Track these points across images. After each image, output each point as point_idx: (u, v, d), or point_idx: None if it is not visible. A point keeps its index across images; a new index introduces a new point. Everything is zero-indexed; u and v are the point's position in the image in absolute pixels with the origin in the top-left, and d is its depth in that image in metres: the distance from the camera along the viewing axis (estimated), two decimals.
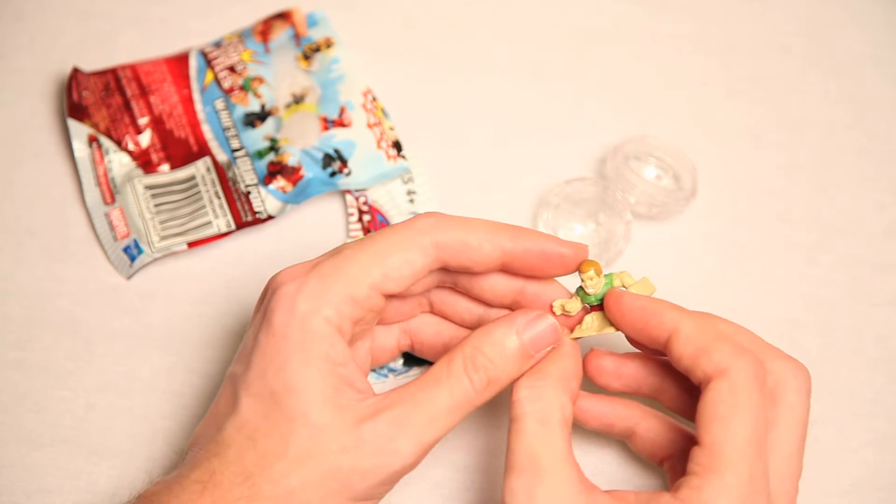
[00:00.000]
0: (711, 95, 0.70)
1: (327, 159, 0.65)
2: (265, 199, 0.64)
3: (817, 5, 0.73)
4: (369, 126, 0.66)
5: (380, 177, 0.65)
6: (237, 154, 0.65)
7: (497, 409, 0.60)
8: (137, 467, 0.58)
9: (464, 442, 0.59)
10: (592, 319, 0.54)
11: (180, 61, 0.68)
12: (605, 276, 0.53)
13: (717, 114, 0.70)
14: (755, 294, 0.64)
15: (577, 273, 0.54)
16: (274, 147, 0.65)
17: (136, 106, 0.67)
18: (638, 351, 0.55)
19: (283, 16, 0.70)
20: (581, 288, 0.54)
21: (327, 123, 0.66)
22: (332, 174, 0.65)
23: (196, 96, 0.67)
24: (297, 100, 0.67)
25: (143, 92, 0.67)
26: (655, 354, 0.55)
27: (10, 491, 0.58)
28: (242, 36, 0.69)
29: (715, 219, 0.66)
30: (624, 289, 0.54)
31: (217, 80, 0.67)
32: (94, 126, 0.66)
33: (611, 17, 0.72)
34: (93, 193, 0.65)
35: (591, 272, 0.53)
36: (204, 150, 0.66)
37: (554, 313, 0.54)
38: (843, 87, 0.70)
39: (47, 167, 0.66)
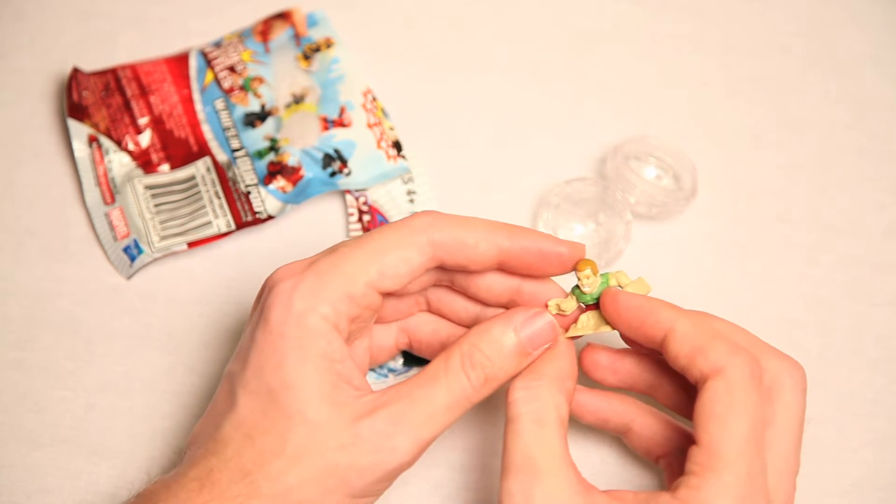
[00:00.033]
0: (711, 95, 0.70)
1: (327, 159, 0.65)
2: (265, 199, 0.64)
3: (817, 5, 0.73)
4: (369, 126, 0.66)
5: (380, 177, 0.65)
6: (237, 154, 0.65)
7: (497, 409, 0.60)
8: (137, 467, 0.58)
9: (464, 442, 0.59)
10: (588, 318, 0.54)
11: (180, 61, 0.68)
12: (601, 275, 0.54)
13: (717, 114, 0.70)
14: (755, 294, 0.64)
15: (573, 272, 0.54)
16: (274, 147, 0.65)
17: (136, 106, 0.67)
18: None
19: (283, 16, 0.70)
20: (577, 287, 0.54)
21: (327, 123, 0.66)
22: (332, 174, 0.65)
23: (196, 96, 0.67)
24: (297, 100, 0.67)
25: (143, 92, 0.67)
26: (651, 353, 0.55)
27: (10, 491, 0.58)
28: (242, 36, 0.69)
29: (715, 219, 0.66)
30: (620, 288, 0.54)
31: (217, 80, 0.67)
32: (94, 126, 0.66)
33: (611, 17, 0.72)
34: (93, 193, 0.65)
35: (588, 271, 0.53)
36: (204, 150, 0.66)
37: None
38: (843, 87, 0.70)
39: (47, 167, 0.66)
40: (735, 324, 0.53)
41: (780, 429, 0.50)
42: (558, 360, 0.52)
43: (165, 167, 0.65)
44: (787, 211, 0.67)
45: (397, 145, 0.66)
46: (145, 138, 0.66)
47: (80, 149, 0.66)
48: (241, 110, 0.67)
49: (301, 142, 0.65)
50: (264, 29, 0.69)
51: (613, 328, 0.53)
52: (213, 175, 0.65)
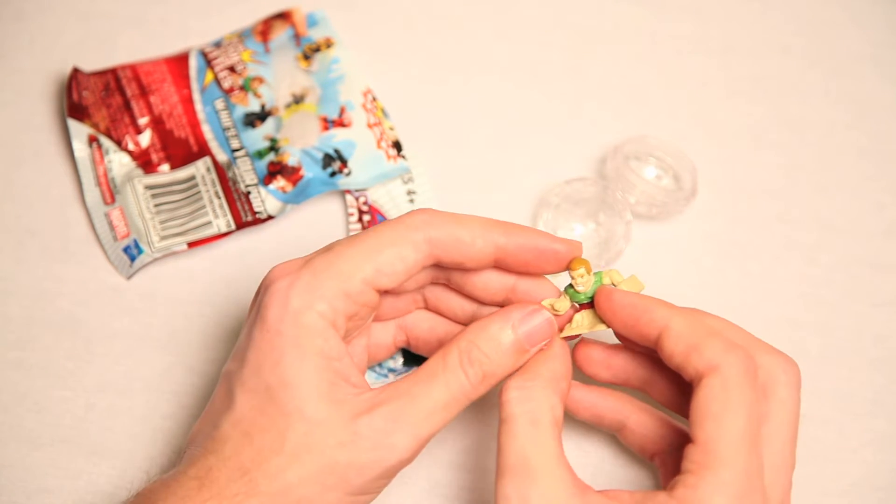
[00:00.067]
0: (711, 95, 0.70)
1: (327, 159, 0.65)
2: (265, 199, 0.64)
3: (817, 5, 0.73)
4: (369, 126, 0.66)
5: (380, 177, 0.65)
6: (237, 154, 0.65)
7: (497, 409, 0.60)
8: (137, 467, 0.58)
9: (463, 442, 0.59)
10: (583, 317, 0.54)
11: (180, 61, 0.68)
12: (595, 273, 0.54)
13: (717, 114, 0.70)
14: (755, 294, 0.64)
15: (566, 271, 0.54)
16: (274, 147, 0.65)
17: (136, 106, 0.67)
18: None
19: (283, 16, 0.70)
20: (570, 286, 0.54)
21: (327, 123, 0.66)
22: (332, 174, 0.65)
23: (196, 96, 0.67)
24: (297, 100, 0.67)
25: (143, 92, 0.67)
26: (645, 350, 0.55)
27: (10, 491, 0.58)
28: (242, 36, 0.69)
29: (715, 219, 0.66)
30: (613, 286, 0.54)
31: (217, 80, 0.67)
32: (94, 126, 0.66)
33: (611, 17, 0.72)
34: (93, 193, 0.65)
35: (582, 270, 0.53)
36: (204, 150, 0.66)
37: None
38: (843, 87, 0.70)
39: (47, 167, 0.66)
40: (728, 320, 0.53)
41: (775, 425, 0.51)
42: (553, 361, 0.52)
43: (165, 167, 0.65)
44: (787, 211, 0.67)
45: (397, 145, 0.66)
46: (145, 138, 0.66)
47: (80, 149, 0.66)
48: (241, 110, 0.67)
49: (301, 142, 0.65)
50: (264, 29, 0.69)
51: (608, 327, 0.53)
52: (213, 175, 0.65)
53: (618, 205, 0.64)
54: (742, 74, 0.71)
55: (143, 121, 0.66)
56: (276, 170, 0.64)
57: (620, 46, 0.71)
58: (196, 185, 0.64)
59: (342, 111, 0.67)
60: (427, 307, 0.57)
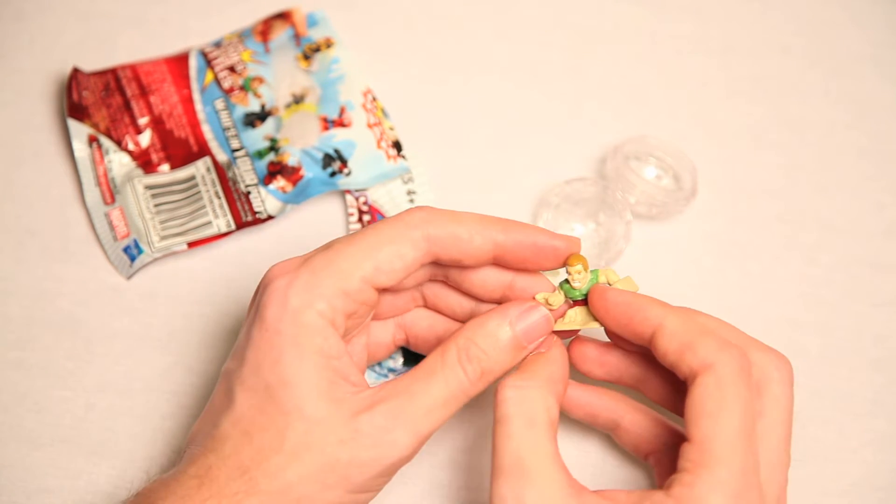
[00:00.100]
0: (711, 95, 0.70)
1: (327, 159, 0.65)
2: (265, 199, 0.64)
3: (817, 5, 0.73)
4: (369, 126, 0.66)
5: (380, 177, 0.65)
6: (237, 154, 0.65)
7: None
8: (137, 467, 0.58)
9: (463, 441, 0.59)
10: (576, 314, 0.54)
11: (180, 61, 0.68)
12: (591, 271, 0.54)
13: (717, 114, 0.70)
14: (755, 294, 0.64)
15: (564, 268, 0.54)
16: (274, 147, 0.65)
17: (136, 106, 0.67)
18: None
19: (283, 16, 0.70)
20: (566, 282, 0.54)
21: (327, 123, 0.66)
22: (332, 174, 0.65)
23: (196, 96, 0.67)
24: (297, 100, 0.67)
25: (143, 92, 0.67)
26: (636, 350, 0.55)
27: (10, 491, 0.58)
28: (242, 36, 0.69)
29: (715, 219, 0.66)
30: (608, 285, 0.54)
31: (217, 80, 0.67)
32: (94, 126, 0.66)
33: (611, 17, 0.72)
34: (93, 193, 0.65)
35: (579, 266, 0.53)
36: (204, 150, 0.66)
37: None
38: (843, 87, 0.70)
39: (47, 167, 0.66)
40: (720, 319, 0.53)
41: (769, 422, 0.51)
42: (551, 363, 0.52)
43: (165, 167, 0.65)
44: (787, 211, 0.67)
45: (397, 145, 0.66)
46: (145, 138, 0.66)
47: (80, 149, 0.66)
48: (241, 110, 0.67)
49: (301, 142, 0.65)
50: (264, 29, 0.69)
51: (600, 324, 0.53)
52: (213, 175, 0.65)
53: (618, 205, 0.64)
54: (742, 74, 0.71)
55: (143, 121, 0.66)
56: (276, 170, 0.64)
57: (620, 46, 0.71)
58: (196, 185, 0.64)
59: (342, 111, 0.67)
60: (426, 305, 0.57)
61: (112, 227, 0.64)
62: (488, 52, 0.71)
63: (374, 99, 0.67)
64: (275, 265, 0.52)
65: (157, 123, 0.66)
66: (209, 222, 0.64)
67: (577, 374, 0.56)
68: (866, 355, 0.63)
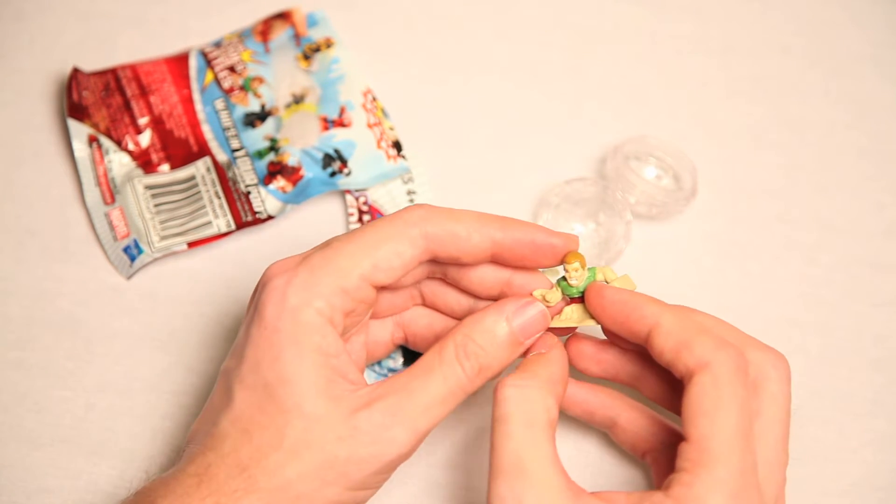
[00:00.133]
0: (711, 95, 0.70)
1: (327, 159, 0.65)
2: (265, 199, 0.64)
3: (817, 5, 0.73)
4: (369, 126, 0.66)
5: (380, 177, 0.65)
6: (237, 154, 0.65)
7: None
8: (137, 467, 0.58)
9: (464, 441, 0.59)
10: (572, 311, 0.54)
11: (180, 61, 0.68)
12: (589, 269, 0.54)
13: (717, 114, 0.70)
14: (755, 294, 0.64)
15: (562, 265, 0.54)
16: (274, 147, 0.65)
17: (136, 106, 0.67)
18: None
19: (283, 16, 0.70)
20: (563, 279, 0.54)
21: (327, 123, 0.66)
22: (332, 174, 0.65)
23: (196, 96, 0.67)
24: (297, 100, 0.67)
25: (143, 92, 0.67)
26: (633, 348, 0.55)
27: (10, 491, 0.58)
28: (242, 36, 0.69)
29: (715, 219, 0.66)
30: (606, 283, 0.54)
31: (217, 80, 0.67)
32: (94, 126, 0.66)
33: (611, 17, 0.72)
34: (93, 193, 0.65)
35: (577, 264, 0.53)
36: (204, 150, 0.66)
37: None
38: (843, 87, 0.70)
39: (47, 167, 0.66)
40: (717, 317, 0.53)
41: (767, 421, 0.51)
42: (552, 365, 0.52)
43: (165, 167, 0.65)
44: (787, 211, 0.67)
45: (397, 145, 0.66)
46: (145, 138, 0.66)
47: (80, 149, 0.66)
48: (241, 110, 0.67)
49: (301, 142, 0.65)
50: (264, 29, 0.69)
51: (597, 322, 0.53)
52: (213, 175, 0.65)
53: (618, 205, 0.64)
54: (742, 74, 0.71)
55: (143, 121, 0.66)
56: (276, 170, 0.64)
57: (620, 46, 0.71)
58: (196, 185, 0.64)
59: (342, 111, 0.67)
60: (424, 304, 0.57)
61: (112, 227, 0.64)
62: (488, 52, 0.71)
63: (374, 99, 0.67)
64: (273, 264, 0.52)
65: (157, 123, 0.66)
66: (209, 222, 0.64)
67: (573, 371, 0.56)
68: (866, 355, 0.63)
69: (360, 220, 0.65)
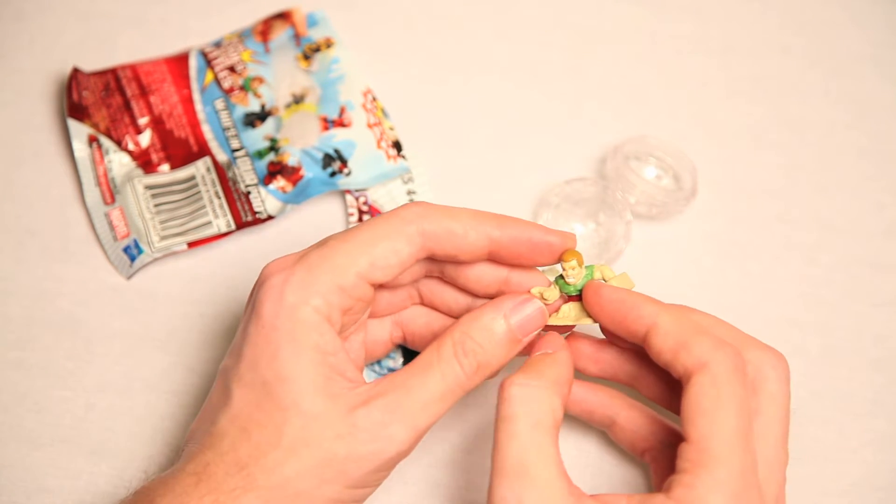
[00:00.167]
0: (711, 95, 0.70)
1: (327, 159, 0.65)
2: (265, 199, 0.64)
3: (817, 5, 0.73)
4: (369, 126, 0.66)
5: (380, 177, 0.65)
6: (237, 154, 0.65)
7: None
8: (137, 467, 0.58)
9: (463, 442, 0.59)
10: (570, 309, 0.54)
11: (180, 61, 0.68)
12: (587, 267, 0.54)
13: (717, 114, 0.70)
14: (755, 294, 0.64)
15: (560, 263, 0.54)
16: (274, 147, 0.65)
17: (136, 106, 0.67)
18: None
19: (283, 16, 0.70)
20: (561, 277, 0.54)
21: (327, 123, 0.66)
22: (332, 174, 0.65)
23: (196, 96, 0.67)
24: (297, 100, 0.67)
25: (143, 92, 0.67)
26: (631, 348, 0.55)
27: (10, 491, 0.58)
28: (242, 36, 0.69)
29: (715, 219, 0.66)
30: (604, 281, 0.54)
31: (217, 80, 0.67)
32: (94, 126, 0.66)
33: (611, 17, 0.72)
34: (93, 193, 0.65)
35: (574, 262, 0.53)
36: (204, 150, 0.66)
37: None
38: (843, 87, 0.70)
39: (47, 167, 0.66)
40: (715, 316, 0.53)
41: (766, 420, 0.50)
42: (558, 365, 0.52)
43: (165, 167, 0.65)
44: (787, 211, 0.67)
45: (397, 145, 0.66)
46: (145, 138, 0.66)
47: (80, 149, 0.66)
48: (241, 110, 0.67)
49: (301, 142, 0.65)
50: (264, 29, 0.69)
51: (594, 321, 0.53)
52: (213, 175, 0.65)
53: (618, 205, 0.64)
54: (742, 74, 0.71)
55: (143, 121, 0.66)
56: (276, 170, 0.64)
57: (620, 46, 0.71)
58: (196, 185, 0.64)
59: (342, 111, 0.67)
60: (423, 302, 0.57)
61: (112, 227, 0.64)
62: (488, 52, 0.71)
63: (374, 99, 0.67)
64: (271, 262, 0.52)
65: (157, 123, 0.66)
66: (209, 222, 0.64)
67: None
68: (866, 355, 0.63)
69: (360, 220, 0.65)
